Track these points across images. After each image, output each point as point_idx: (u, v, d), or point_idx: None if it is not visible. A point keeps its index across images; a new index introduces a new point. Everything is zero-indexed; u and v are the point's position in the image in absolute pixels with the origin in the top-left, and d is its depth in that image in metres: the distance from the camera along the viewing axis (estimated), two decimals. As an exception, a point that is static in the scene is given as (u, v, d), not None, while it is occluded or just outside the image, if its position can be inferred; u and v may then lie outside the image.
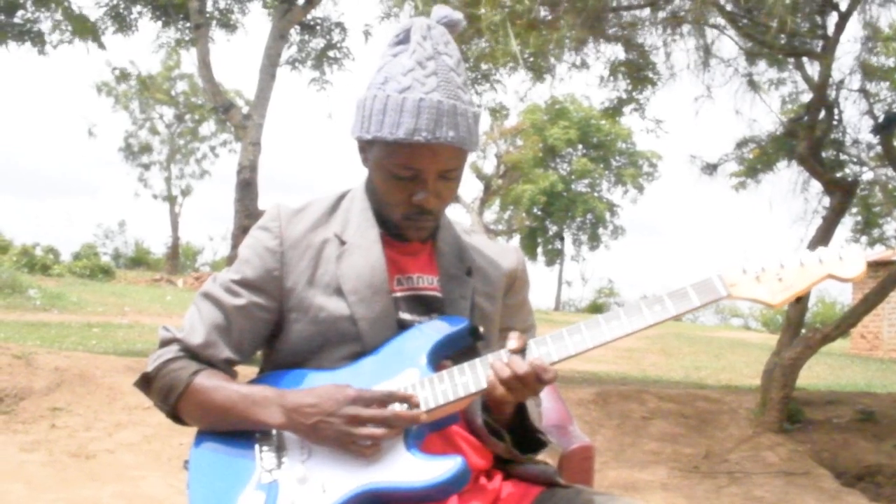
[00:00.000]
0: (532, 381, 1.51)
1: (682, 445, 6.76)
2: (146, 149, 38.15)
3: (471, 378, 1.55)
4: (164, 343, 1.70)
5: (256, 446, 1.58)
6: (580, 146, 41.56)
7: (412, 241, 1.72)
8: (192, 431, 1.69)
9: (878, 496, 5.98)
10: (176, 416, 1.69)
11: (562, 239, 43.32)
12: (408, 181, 1.62)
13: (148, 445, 5.66)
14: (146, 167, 38.46)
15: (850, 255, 1.51)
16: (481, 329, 1.66)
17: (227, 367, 1.69)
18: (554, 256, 43.26)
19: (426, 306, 1.70)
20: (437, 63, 1.60)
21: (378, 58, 1.68)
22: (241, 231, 9.95)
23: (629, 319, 1.54)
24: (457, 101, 1.59)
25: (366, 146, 1.67)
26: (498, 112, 13.14)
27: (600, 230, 43.10)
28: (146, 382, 1.69)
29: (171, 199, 38.38)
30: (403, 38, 1.63)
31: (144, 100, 36.19)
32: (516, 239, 39.59)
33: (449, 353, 1.63)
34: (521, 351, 1.54)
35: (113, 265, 32.70)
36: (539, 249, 42.40)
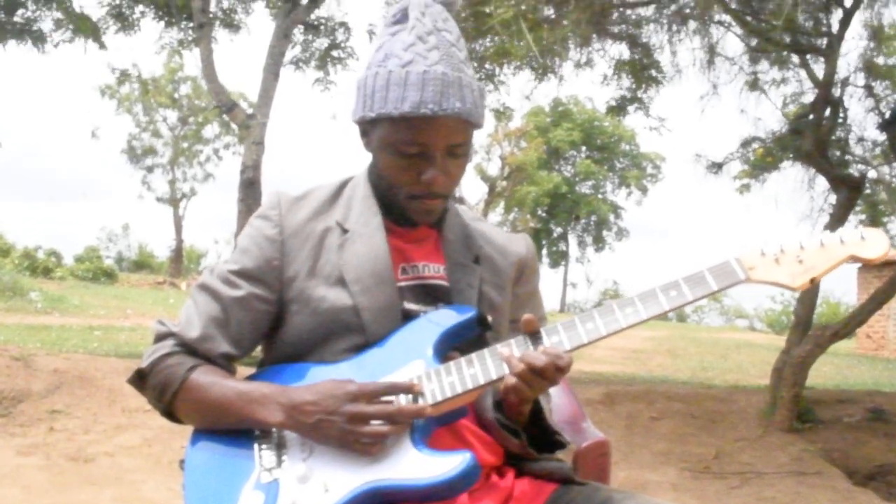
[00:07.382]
0: (551, 371, 1.44)
1: (692, 445, 6.70)
2: (149, 151, 38.11)
3: (479, 369, 1.48)
4: (160, 338, 1.63)
5: (255, 444, 1.51)
6: (584, 148, 41.67)
7: (419, 224, 1.65)
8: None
9: (890, 495, 5.90)
10: (171, 415, 1.62)
11: (566, 241, 43.33)
12: (415, 158, 1.55)
13: (148, 449, 5.59)
14: (149, 170, 38.43)
15: (872, 235, 1.45)
16: (489, 318, 1.60)
17: (225, 363, 1.62)
18: (559, 258, 43.29)
19: (432, 295, 1.63)
20: (438, 38, 1.56)
21: (376, 38, 1.62)
22: (244, 231, 9.96)
23: (644, 306, 1.47)
24: (461, 74, 1.54)
25: (368, 128, 1.61)
26: (502, 113, 13.10)
27: (604, 232, 43.13)
28: (140, 379, 1.62)
29: (174, 202, 38.33)
30: (401, 17, 1.59)
31: (147, 102, 36.16)
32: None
33: (456, 344, 1.56)
34: (534, 335, 1.48)
35: (116, 268, 32.65)
36: (544, 251, 42.38)
